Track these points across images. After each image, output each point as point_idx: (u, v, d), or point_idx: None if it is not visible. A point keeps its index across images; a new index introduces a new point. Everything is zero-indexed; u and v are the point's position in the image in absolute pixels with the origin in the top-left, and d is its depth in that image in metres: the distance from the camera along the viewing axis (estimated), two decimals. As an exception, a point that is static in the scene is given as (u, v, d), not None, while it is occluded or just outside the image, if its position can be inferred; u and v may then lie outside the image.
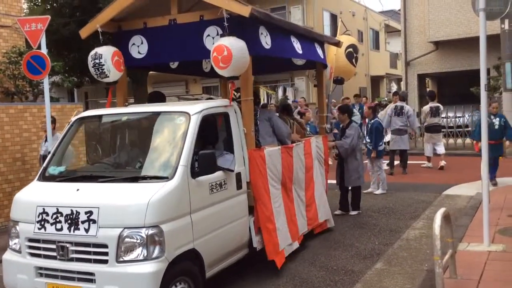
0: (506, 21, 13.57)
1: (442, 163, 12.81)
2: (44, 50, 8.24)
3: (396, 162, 12.56)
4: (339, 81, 9.14)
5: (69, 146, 5.47)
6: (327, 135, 8.08)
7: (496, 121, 9.88)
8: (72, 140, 5.52)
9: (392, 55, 34.63)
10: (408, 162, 12.62)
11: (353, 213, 8.45)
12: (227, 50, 5.08)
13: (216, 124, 5.39)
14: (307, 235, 6.89)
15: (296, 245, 6.33)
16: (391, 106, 12.74)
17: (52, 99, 10.52)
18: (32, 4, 16.39)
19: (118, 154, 5.74)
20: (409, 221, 7.91)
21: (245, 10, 5.29)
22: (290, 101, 17.24)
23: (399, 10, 23.69)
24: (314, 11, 22.79)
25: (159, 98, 6.53)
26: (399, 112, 12.23)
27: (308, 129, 10.06)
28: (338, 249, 6.61)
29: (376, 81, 32.15)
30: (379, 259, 6.11)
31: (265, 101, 20.99)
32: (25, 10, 15.59)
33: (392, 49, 35.28)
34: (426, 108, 13.43)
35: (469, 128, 16.80)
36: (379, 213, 8.53)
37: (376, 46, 31.97)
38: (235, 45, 5.14)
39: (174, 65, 7.42)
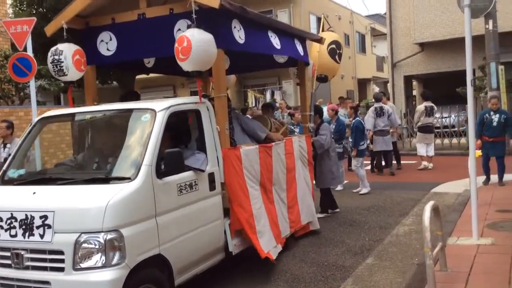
0: (490, 22, 13.64)
1: (430, 165, 12.68)
2: (30, 53, 8.16)
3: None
4: (322, 79, 8.76)
5: (31, 148, 5.14)
6: (310, 134, 7.80)
7: (496, 118, 9.34)
8: (35, 141, 5.24)
9: (379, 58, 34.76)
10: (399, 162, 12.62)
11: (320, 215, 7.87)
12: (187, 41, 4.74)
13: (186, 122, 5.07)
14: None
15: (280, 247, 5.96)
16: (371, 109, 12.49)
17: (38, 103, 10.41)
18: (17, 8, 16.24)
19: (81, 155, 5.43)
20: (399, 218, 7.87)
21: (214, 2, 4.98)
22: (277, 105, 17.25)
23: (385, 13, 23.85)
24: (301, 14, 22.79)
25: (133, 98, 6.13)
26: (379, 113, 12.02)
27: (297, 131, 10.04)
28: (328, 246, 6.54)
29: (363, 83, 32.26)
30: (369, 255, 6.06)
31: (254, 105, 21.01)
32: (10, 15, 15.43)
33: (379, 52, 35.44)
34: (421, 107, 13.13)
35: (456, 129, 16.97)
36: (368, 211, 8.45)
37: (363, 49, 32.09)
38: (197, 36, 4.78)
39: (149, 63, 7.07)
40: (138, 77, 15.84)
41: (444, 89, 21.36)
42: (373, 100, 13.71)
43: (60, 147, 11.42)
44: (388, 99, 15.52)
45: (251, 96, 22.24)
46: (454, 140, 16.62)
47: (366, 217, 8.03)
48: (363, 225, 7.57)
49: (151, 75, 9.83)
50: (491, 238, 5.97)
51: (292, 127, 9.01)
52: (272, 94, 22.74)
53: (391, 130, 12.24)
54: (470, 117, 6.25)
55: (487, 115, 9.52)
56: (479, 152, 10.19)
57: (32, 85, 8.24)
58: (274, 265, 5.78)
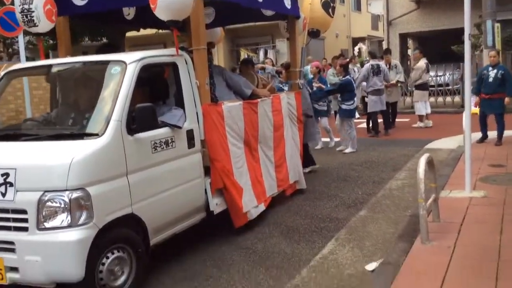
0: (487, -22, 13.58)
1: (430, 123, 12.34)
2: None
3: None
4: (314, 33, 8.20)
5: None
6: (299, 91, 7.44)
7: (492, 73, 8.92)
8: (1, 96, 4.95)
9: (374, 17, 34.18)
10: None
11: (305, 170, 7.65)
12: None
13: (162, 76, 4.76)
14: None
15: (262, 207, 5.75)
16: (366, 66, 11.76)
17: (27, 59, 10.24)
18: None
19: (54, 110, 5.12)
20: (392, 172, 7.83)
21: None
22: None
23: (381, -30, 23.45)
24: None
25: (109, 51, 5.57)
26: (376, 71, 11.33)
27: (286, 89, 9.85)
28: (322, 200, 6.55)
29: (357, 42, 31.79)
30: (363, 207, 6.08)
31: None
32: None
33: (374, 10, 34.88)
34: (422, 64, 12.42)
35: (450, 87, 16.95)
36: (362, 166, 8.42)
37: (358, 7, 31.54)
38: None
39: (129, 15, 6.57)
40: (128, 34, 15.59)
41: (439, 47, 21.18)
42: (368, 58, 13.44)
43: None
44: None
45: (244, 55, 22.00)
46: (448, 99, 16.60)
47: (359, 172, 8.02)
48: (356, 179, 7.56)
49: (142, 32, 9.59)
50: (484, 191, 5.96)
51: (281, 85, 8.76)
52: (266, 53, 22.46)
53: (389, 83, 11.73)
54: (467, 71, 6.19)
55: (485, 71, 9.16)
56: (475, 110, 10.13)
57: (21, 40, 8.06)
58: (269, 217, 5.86)
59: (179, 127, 4.59)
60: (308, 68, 11.47)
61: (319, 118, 10.00)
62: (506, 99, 8.95)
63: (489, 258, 4.04)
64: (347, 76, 9.99)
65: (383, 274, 3.90)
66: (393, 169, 8.17)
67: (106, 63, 4.52)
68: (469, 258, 4.08)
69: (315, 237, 5.25)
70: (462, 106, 12.98)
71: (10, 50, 12.38)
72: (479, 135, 9.34)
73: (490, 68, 9.08)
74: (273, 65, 14.98)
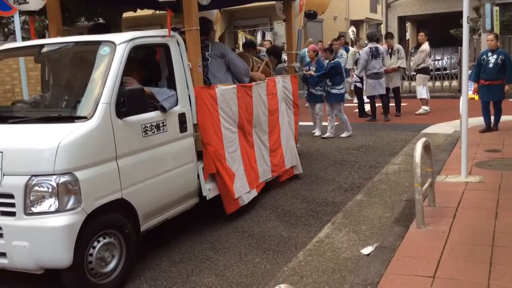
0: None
1: (428, 108, 12.08)
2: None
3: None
4: (311, 15, 8.18)
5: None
6: (296, 74, 7.31)
7: (492, 59, 8.58)
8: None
9: (372, -1, 34.21)
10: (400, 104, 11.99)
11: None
12: None
13: (153, 57, 4.63)
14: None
15: (254, 193, 5.66)
16: (365, 49, 11.49)
17: (23, 39, 10.17)
18: None
19: (39, 92, 4.97)
20: (388, 157, 7.83)
21: None
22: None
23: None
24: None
25: (102, 31, 5.40)
26: (375, 54, 11.09)
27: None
28: (319, 184, 6.55)
29: (356, 25, 31.53)
30: (359, 192, 6.09)
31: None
32: None
33: (373, -7, 34.79)
34: (426, 47, 12.08)
35: (448, 71, 16.92)
36: (359, 151, 8.41)
37: (357, -11, 31.47)
38: None
39: None
40: (125, 15, 15.46)
41: (437, 31, 21.09)
42: (366, 41, 13.31)
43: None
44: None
45: (241, 37, 21.85)
46: (446, 83, 16.59)
47: (356, 157, 8.00)
48: (353, 164, 7.56)
49: (139, 13, 9.51)
50: (479, 176, 5.94)
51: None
52: (263, 35, 22.32)
53: (390, 68, 11.53)
54: (465, 56, 6.16)
55: (484, 56, 8.82)
56: (473, 95, 10.08)
57: (17, 20, 7.96)
58: (265, 201, 5.88)
59: (164, 109, 4.42)
60: (305, 50, 11.38)
61: (314, 103, 9.93)
62: (506, 87, 8.67)
63: (483, 243, 4.04)
64: (336, 59, 9.81)
65: (379, 258, 3.93)
66: (389, 153, 8.17)
67: (95, 43, 4.37)
68: (464, 243, 4.10)
69: (311, 221, 5.26)
70: (460, 90, 12.94)
71: (6, 30, 12.24)
72: (475, 120, 9.20)
73: (490, 53, 8.75)
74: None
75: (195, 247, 4.72)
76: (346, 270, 4.01)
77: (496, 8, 13.92)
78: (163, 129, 4.41)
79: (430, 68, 14.28)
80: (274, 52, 8.19)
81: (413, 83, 15.11)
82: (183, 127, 4.68)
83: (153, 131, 4.29)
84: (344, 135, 9.72)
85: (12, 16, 8.02)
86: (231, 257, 4.46)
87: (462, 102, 6.21)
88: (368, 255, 4.17)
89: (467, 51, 6.02)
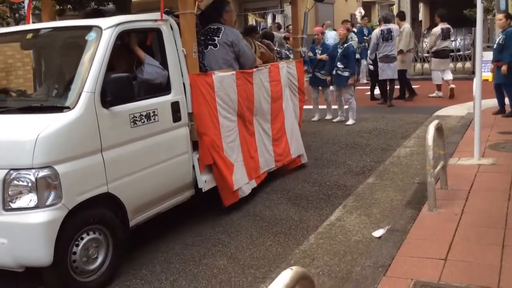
0: None
1: (452, 85, 11.47)
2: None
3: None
4: None
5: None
6: (301, 60, 7.01)
7: (498, 39, 8.41)
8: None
9: (385, -20, 33.75)
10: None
11: None
12: None
13: (144, 43, 4.43)
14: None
15: (253, 184, 5.44)
16: (375, 32, 11.18)
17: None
18: None
19: (27, 80, 4.90)
20: (400, 140, 7.76)
21: None
22: (281, 30, 16.63)
23: None
24: None
25: (96, 17, 5.08)
26: (387, 36, 10.78)
27: (292, 56, 9.58)
28: (330, 167, 6.52)
29: (367, 7, 31.25)
30: (370, 175, 6.06)
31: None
32: None
33: (385, -27, 34.31)
34: (437, 30, 11.67)
35: (461, 52, 16.68)
36: (370, 134, 8.32)
37: (369, -30, 31.07)
38: None
39: None
40: (134, 0, 15.44)
41: (451, 12, 20.80)
42: (378, 23, 13.10)
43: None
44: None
45: (251, 20, 21.71)
46: (459, 64, 16.38)
47: (368, 140, 7.95)
48: (364, 147, 7.50)
49: (148, -3, 9.44)
50: (492, 158, 5.89)
51: (288, 52, 8.51)
52: (274, 18, 22.11)
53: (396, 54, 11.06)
54: (478, 36, 6.07)
55: (496, 37, 8.76)
56: (486, 76, 9.87)
57: (27, 5, 8.01)
58: (277, 185, 5.89)
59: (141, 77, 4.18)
60: (333, 33, 11.05)
61: (320, 87, 9.83)
62: (503, 67, 8.23)
63: (496, 225, 4.02)
64: (350, 42, 9.58)
65: (390, 241, 3.94)
66: (401, 136, 8.11)
67: (81, 28, 4.15)
68: (476, 225, 4.08)
69: (322, 204, 5.27)
70: (473, 72, 12.71)
71: (17, 15, 12.28)
72: (489, 102, 9.03)
73: (500, 34, 8.58)
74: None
75: (207, 230, 4.76)
76: (357, 253, 4.03)
77: (511, -13, 13.62)
78: (154, 119, 4.19)
79: (449, 49, 13.48)
80: (266, 37, 8.06)
81: (426, 65, 14.92)
82: (176, 116, 4.45)
83: (142, 121, 4.06)
84: (349, 122, 9.38)
85: (23, 1, 8.02)
86: (243, 240, 4.50)
87: (476, 84, 6.14)
88: (379, 237, 4.19)
89: (481, 31, 5.94)
